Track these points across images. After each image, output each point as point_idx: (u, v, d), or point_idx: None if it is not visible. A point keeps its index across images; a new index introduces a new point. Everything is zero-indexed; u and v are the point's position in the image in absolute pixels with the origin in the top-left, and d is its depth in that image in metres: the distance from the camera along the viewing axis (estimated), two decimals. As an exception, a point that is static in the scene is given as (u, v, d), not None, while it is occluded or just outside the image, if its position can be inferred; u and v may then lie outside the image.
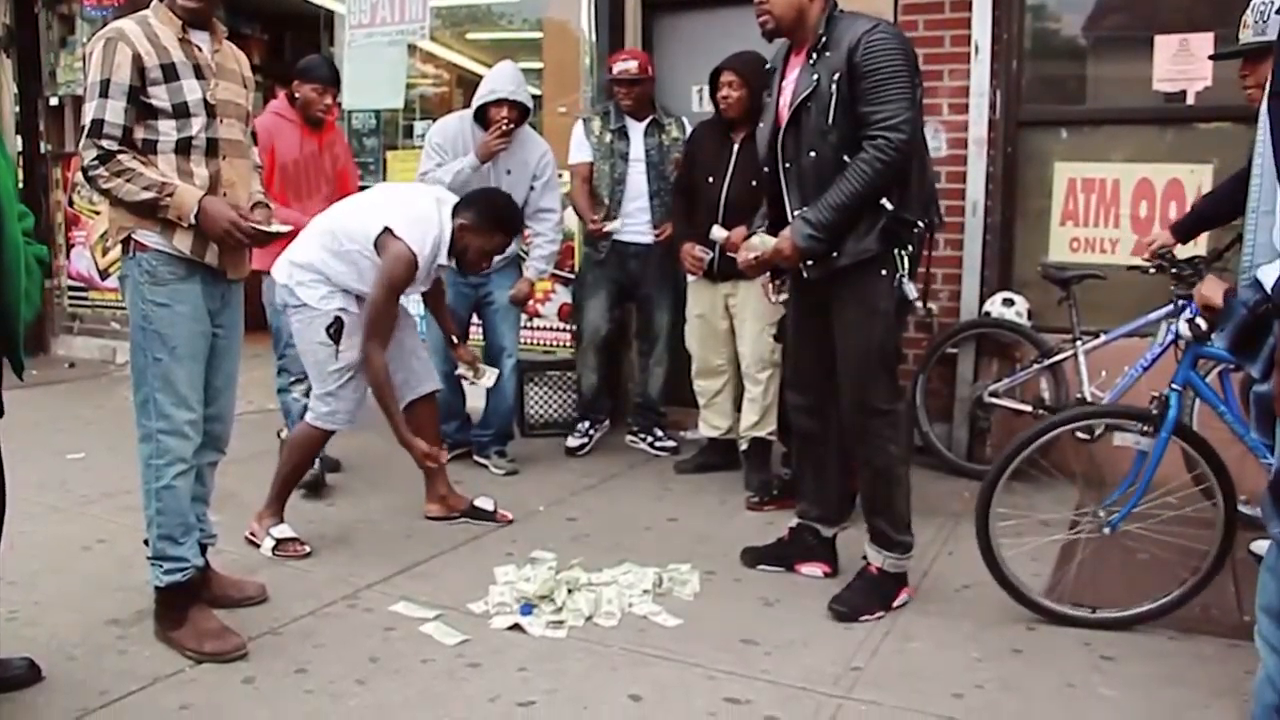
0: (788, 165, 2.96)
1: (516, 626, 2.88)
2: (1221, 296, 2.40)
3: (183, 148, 2.60)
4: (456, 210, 3.49)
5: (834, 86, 2.79)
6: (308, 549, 3.43)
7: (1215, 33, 4.05)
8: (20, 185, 2.88)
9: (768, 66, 3.16)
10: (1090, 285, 4.14)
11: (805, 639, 2.83)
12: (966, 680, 2.59)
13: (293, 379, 4.15)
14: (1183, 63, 4.20)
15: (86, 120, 2.52)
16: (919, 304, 3.13)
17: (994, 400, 4.32)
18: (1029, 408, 4.23)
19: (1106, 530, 2.94)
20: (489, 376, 3.91)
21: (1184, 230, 3.49)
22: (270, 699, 2.48)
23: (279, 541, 3.42)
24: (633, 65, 4.52)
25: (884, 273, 2.88)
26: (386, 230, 3.32)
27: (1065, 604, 2.94)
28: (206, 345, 2.71)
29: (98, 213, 6.84)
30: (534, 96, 5.05)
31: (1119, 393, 3.79)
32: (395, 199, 3.52)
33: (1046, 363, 4.20)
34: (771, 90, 3.03)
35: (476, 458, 4.56)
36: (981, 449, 4.48)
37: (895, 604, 3.01)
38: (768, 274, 3.22)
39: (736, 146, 4.09)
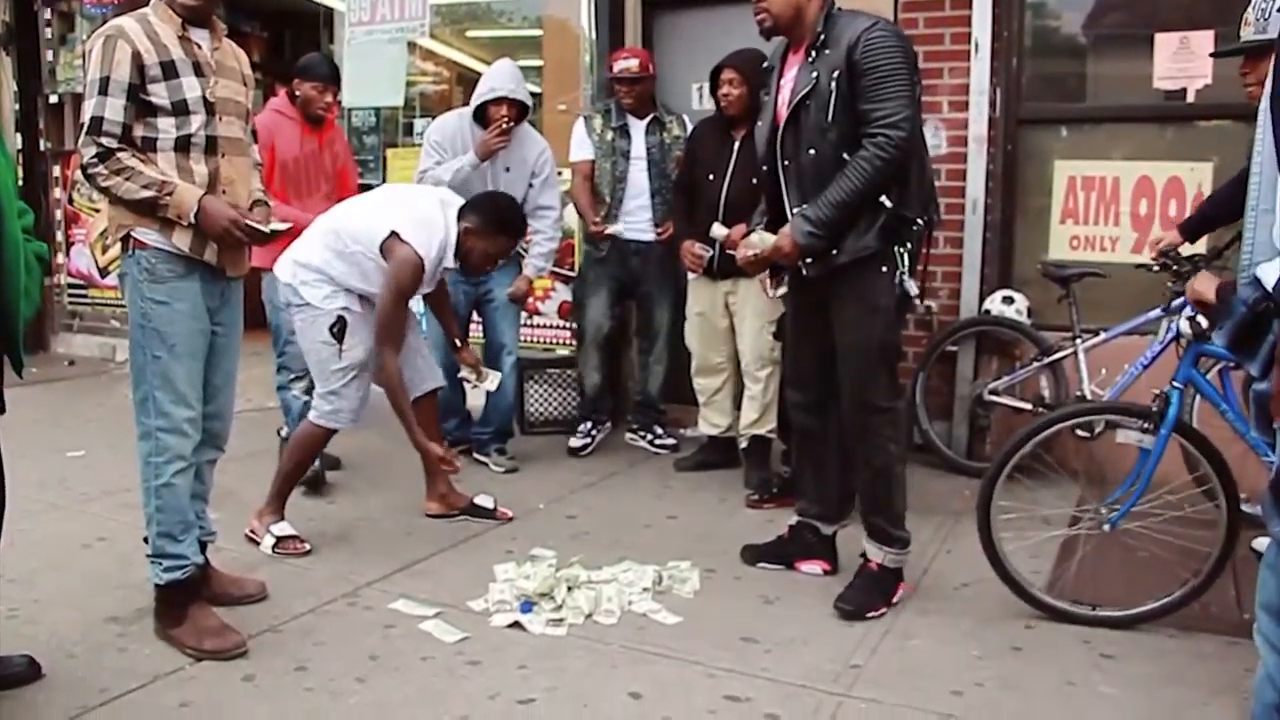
0: (786, 163, 2.96)
1: (516, 624, 2.88)
2: (1214, 291, 2.40)
3: (182, 145, 2.60)
4: (461, 213, 3.50)
5: (833, 84, 2.79)
6: (308, 546, 3.43)
7: (1215, 30, 4.05)
8: (20, 182, 2.88)
9: (765, 65, 3.16)
10: (1090, 283, 4.14)
11: (805, 637, 2.83)
12: (966, 678, 2.59)
13: (292, 376, 4.15)
14: (1183, 60, 4.19)
15: (86, 118, 2.52)
16: (919, 301, 3.13)
17: (994, 398, 4.32)
18: (1029, 405, 4.22)
19: (1106, 527, 2.94)
20: (492, 380, 3.91)
21: (1191, 230, 3.51)
22: (270, 696, 2.48)
23: (279, 539, 3.42)
24: (634, 63, 4.51)
25: (884, 270, 2.88)
26: (393, 235, 3.32)
27: (1065, 600, 2.94)
28: (205, 343, 2.71)
29: (97, 210, 6.84)
30: (534, 94, 5.05)
31: (1119, 390, 3.79)
32: (400, 201, 3.51)
33: (1046, 361, 4.20)
34: (769, 89, 3.03)
35: (476, 455, 4.56)
36: (981, 447, 4.48)
37: (895, 599, 3.02)
38: (766, 270, 3.22)
39: (737, 144, 4.08)
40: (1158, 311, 3.70)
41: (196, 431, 2.70)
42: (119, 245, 2.65)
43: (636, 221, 4.59)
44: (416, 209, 3.45)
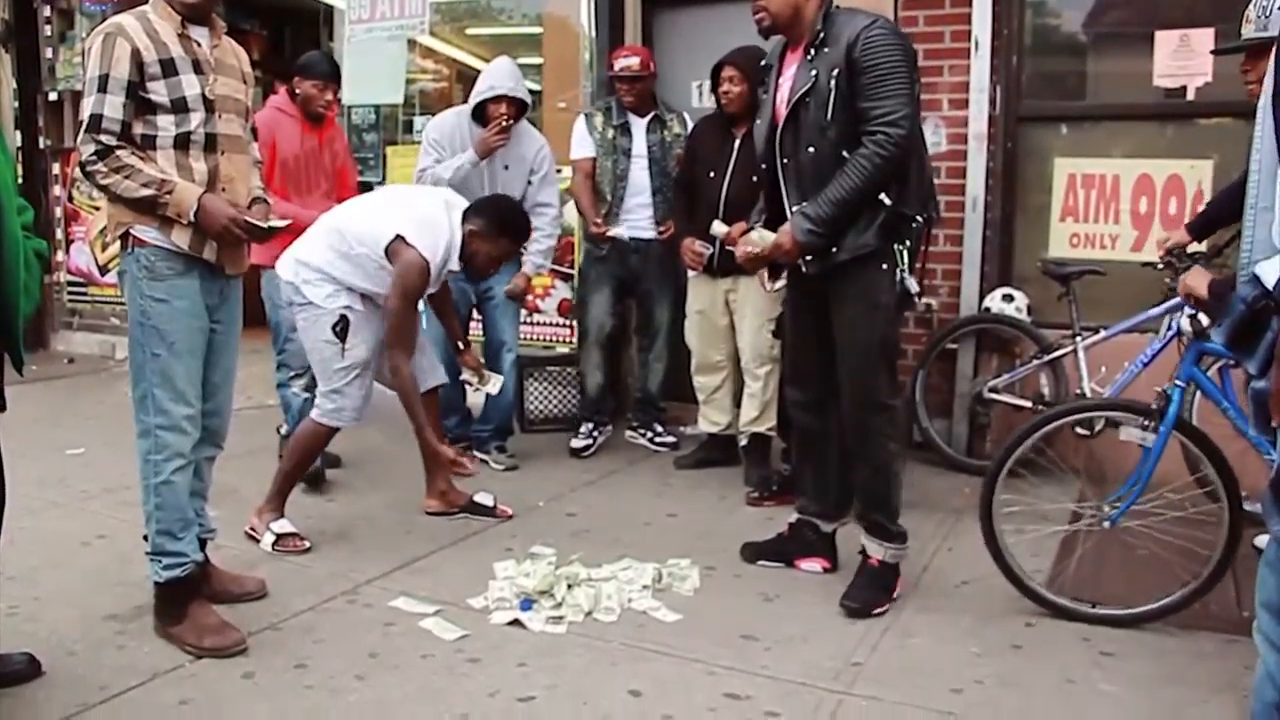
0: (786, 161, 2.95)
1: (516, 622, 2.88)
2: (1206, 287, 2.40)
3: (181, 143, 2.60)
4: (466, 216, 3.51)
5: (833, 82, 2.79)
6: (307, 544, 3.43)
7: (1216, 28, 4.05)
8: (19, 180, 2.88)
9: (763, 63, 3.16)
10: (1090, 281, 4.14)
11: (805, 634, 2.83)
12: (966, 675, 2.60)
13: (292, 374, 4.15)
14: (1183, 58, 4.19)
15: (85, 115, 2.52)
16: (918, 299, 3.13)
17: (994, 396, 4.32)
18: (1029, 403, 4.22)
19: (1107, 525, 2.94)
20: (494, 383, 3.91)
21: (1198, 229, 3.52)
22: (270, 694, 2.48)
23: (279, 536, 3.42)
24: (634, 61, 4.51)
25: (884, 267, 2.88)
26: (398, 238, 3.32)
27: (1065, 597, 2.95)
28: (205, 341, 2.71)
29: (97, 208, 6.84)
30: (534, 92, 5.05)
31: (1119, 388, 3.79)
32: (405, 203, 3.51)
33: (1046, 358, 4.20)
34: (768, 87, 3.03)
35: (476, 453, 4.56)
36: (981, 445, 4.48)
37: (895, 595, 3.02)
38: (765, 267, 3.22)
39: (737, 142, 4.08)
40: (1163, 308, 3.69)
41: (196, 429, 2.70)
42: (118, 243, 2.65)
43: (638, 220, 4.59)
44: (421, 211, 3.45)
